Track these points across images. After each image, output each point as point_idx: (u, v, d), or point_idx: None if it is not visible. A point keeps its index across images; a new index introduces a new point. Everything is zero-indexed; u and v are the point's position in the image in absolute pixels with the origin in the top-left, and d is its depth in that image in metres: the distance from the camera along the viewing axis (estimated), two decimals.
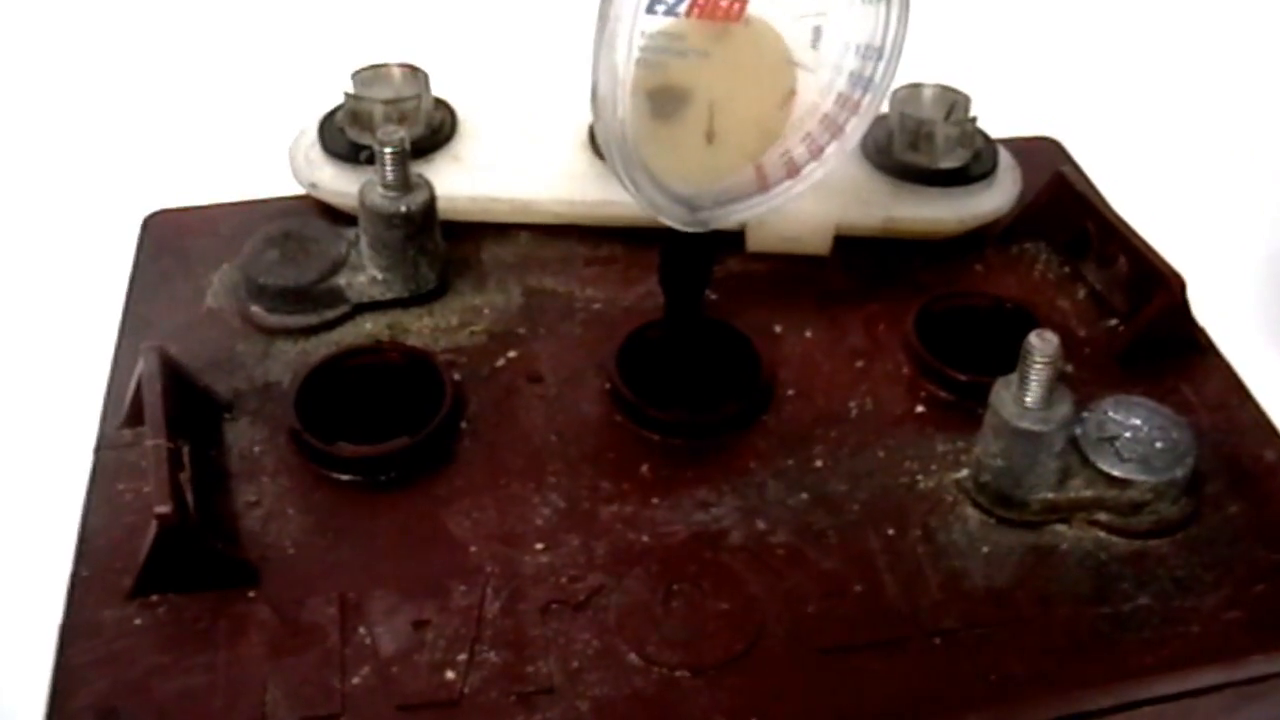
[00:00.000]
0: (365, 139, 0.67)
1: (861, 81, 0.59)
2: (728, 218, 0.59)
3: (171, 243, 0.71)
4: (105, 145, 0.88)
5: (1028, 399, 0.53)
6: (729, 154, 0.59)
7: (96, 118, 0.92)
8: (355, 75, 0.69)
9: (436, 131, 0.70)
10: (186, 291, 0.68)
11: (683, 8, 0.54)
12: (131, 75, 0.96)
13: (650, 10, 0.53)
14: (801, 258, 0.69)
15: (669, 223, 0.58)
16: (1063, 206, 0.69)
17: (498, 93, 0.74)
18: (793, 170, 0.59)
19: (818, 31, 0.57)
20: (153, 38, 0.99)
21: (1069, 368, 0.60)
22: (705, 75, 0.55)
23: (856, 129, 0.60)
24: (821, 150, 0.59)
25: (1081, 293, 0.68)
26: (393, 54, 0.72)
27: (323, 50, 0.91)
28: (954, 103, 0.69)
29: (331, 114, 0.71)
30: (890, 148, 0.69)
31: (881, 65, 0.59)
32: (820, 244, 0.68)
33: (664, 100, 0.56)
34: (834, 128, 0.59)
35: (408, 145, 0.62)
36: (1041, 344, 0.52)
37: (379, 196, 0.63)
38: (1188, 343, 0.65)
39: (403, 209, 0.63)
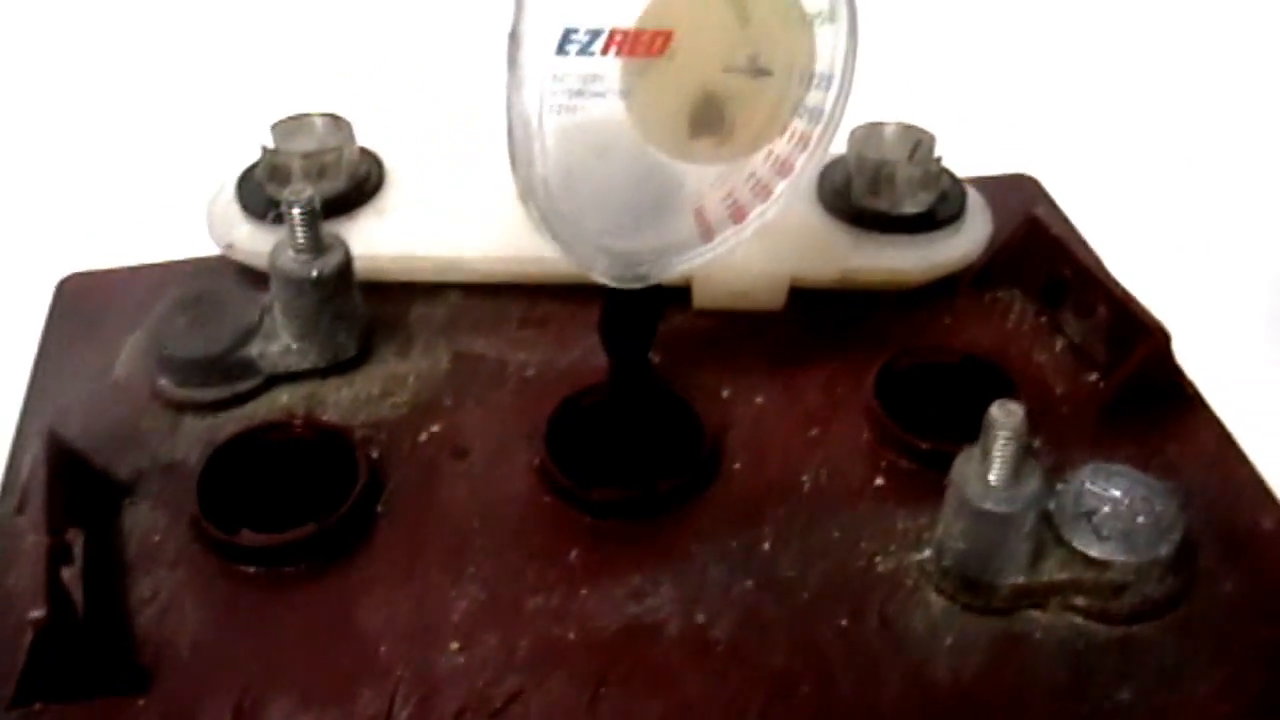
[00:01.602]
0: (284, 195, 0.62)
1: (810, 113, 0.53)
2: (669, 270, 0.54)
3: (84, 308, 0.67)
4: (25, 205, 0.83)
5: (992, 477, 0.48)
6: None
7: (14, 175, 0.87)
8: (275, 127, 0.64)
9: (361, 184, 0.65)
10: (95, 361, 0.64)
11: (598, 46, 0.48)
12: (58, 128, 0.91)
13: (561, 52, 0.48)
14: (753, 312, 0.62)
15: (602, 280, 0.52)
16: (1037, 251, 0.63)
17: (429, 139, 0.68)
18: (739, 214, 0.54)
19: (754, 60, 0.51)
20: (77, 87, 0.94)
21: (1037, 442, 0.54)
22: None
23: (808, 166, 0.54)
24: (769, 191, 0.54)
25: (1059, 344, 0.62)
26: (323, 101, 0.67)
27: (258, 98, 0.85)
28: (917, 142, 0.63)
29: (252, 168, 0.65)
30: (848, 192, 0.64)
31: (831, 94, 0.53)
32: (773, 298, 0.62)
33: (706, 119, 0.52)
34: (782, 165, 0.54)
35: (318, 204, 0.57)
36: (1005, 416, 0.47)
37: (289, 260, 0.58)
38: (1174, 397, 0.60)
39: (314, 274, 0.58)
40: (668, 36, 0.49)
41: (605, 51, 0.49)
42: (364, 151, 0.67)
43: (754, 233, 0.54)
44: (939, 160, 0.63)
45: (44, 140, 0.87)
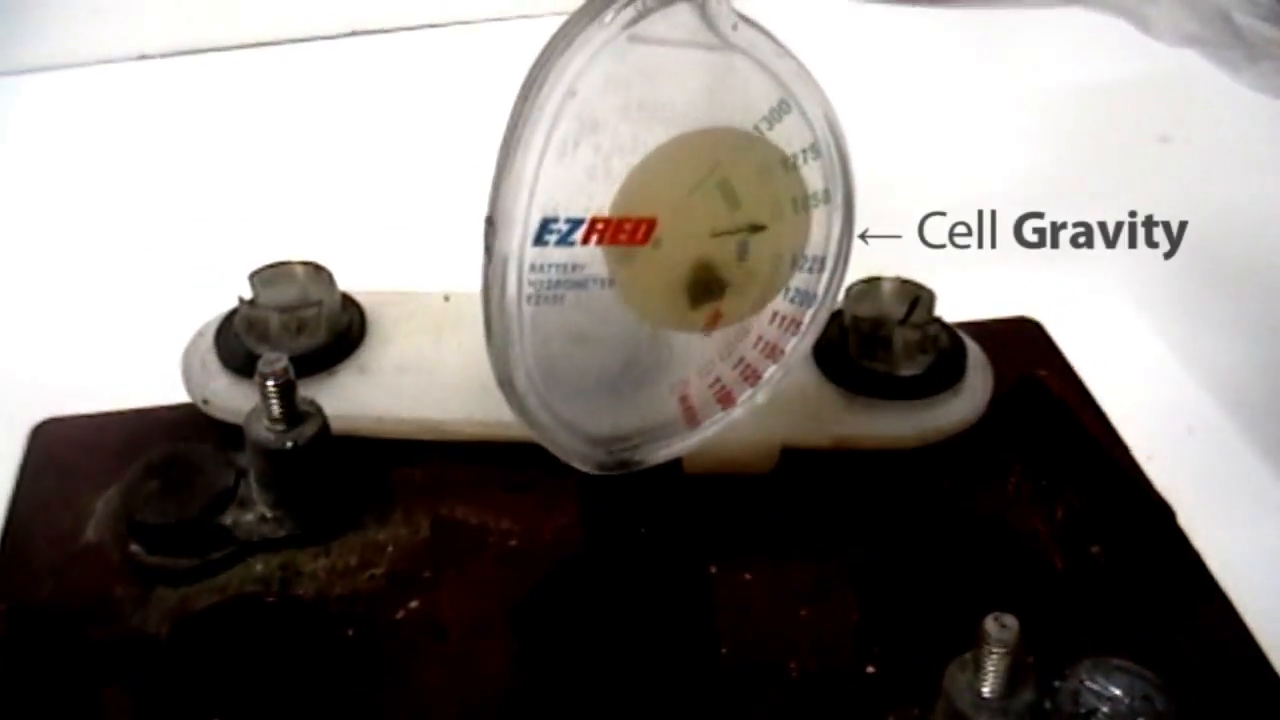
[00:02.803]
0: (263, 349, 0.60)
1: (802, 297, 0.51)
2: (654, 456, 0.52)
3: (58, 458, 0.65)
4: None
5: (985, 689, 0.46)
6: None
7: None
8: (254, 276, 0.62)
9: (343, 337, 0.63)
10: (67, 519, 0.62)
11: (578, 236, 0.47)
12: (35, 264, 0.88)
13: (539, 242, 0.46)
14: (744, 475, 0.60)
15: (582, 467, 0.50)
16: (1039, 413, 0.61)
17: (415, 280, 0.66)
18: (726, 399, 0.52)
19: (743, 246, 0.49)
20: (57, 222, 0.92)
21: (1028, 657, 0.52)
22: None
23: (799, 349, 0.52)
24: (758, 375, 0.52)
25: (1060, 512, 0.60)
26: (306, 242, 0.64)
27: (244, 234, 0.83)
28: (916, 299, 0.61)
29: (231, 315, 0.63)
30: (843, 352, 0.61)
31: (824, 278, 0.52)
32: (764, 463, 0.60)
33: (705, 286, 0.51)
34: (772, 349, 0.52)
35: (292, 374, 0.56)
36: (999, 631, 0.45)
37: (264, 430, 0.56)
38: (1177, 571, 0.58)
39: (289, 445, 0.56)
40: (652, 224, 0.47)
41: (586, 241, 0.47)
42: (346, 298, 0.64)
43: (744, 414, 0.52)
44: (938, 320, 0.61)
45: (20, 278, 0.85)
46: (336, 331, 0.63)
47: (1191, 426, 0.70)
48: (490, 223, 0.47)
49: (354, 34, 1.05)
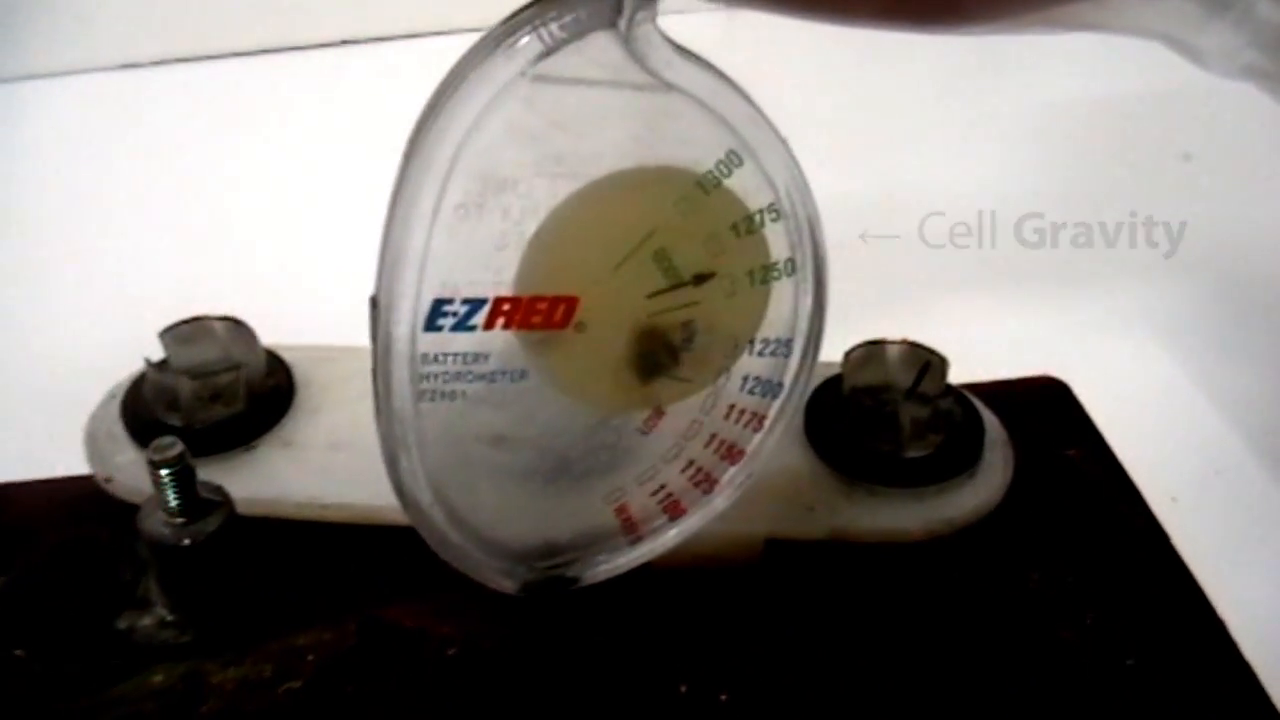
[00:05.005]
0: (174, 419, 0.52)
1: (764, 387, 0.42)
2: (593, 573, 0.44)
3: None
4: None
5: None
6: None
7: None
8: (165, 334, 0.54)
9: (265, 405, 0.54)
10: None
11: (479, 319, 0.38)
12: None
13: (432, 327, 0.37)
14: (721, 571, 0.51)
15: (503, 587, 0.42)
16: (1068, 499, 0.53)
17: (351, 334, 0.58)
18: (675, 509, 0.43)
19: (689, 327, 0.40)
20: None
21: None
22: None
23: (764, 447, 0.43)
24: (714, 481, 0.43)
25: (1090, 618, 0.51)
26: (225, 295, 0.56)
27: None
28: (926, 366, 0.52)
29: (141, 379, 0.55)
30: (841, 429, 0.52)
31: (792, 363, 0.43)
32: (747, 556, 0.51)
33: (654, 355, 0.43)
34: (729, 450, 0.43)
35: (189, 460, 0.48)
36: None
37: (160, 524, 0.49)
38: (1232, 693, 0.49)
39: (186, 542, 0.48)
40: (571, 304, 0.38)
41: (490, 326, 0.38)
42: (270, 356, 0.56)
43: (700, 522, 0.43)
44: (948, 393, 0.52)
45: None
46: (258, 398, 0.54)
47: (1219, 467, 0.61)
48: (374, 304, 0.38)
49: (346, 43, 0.97)
